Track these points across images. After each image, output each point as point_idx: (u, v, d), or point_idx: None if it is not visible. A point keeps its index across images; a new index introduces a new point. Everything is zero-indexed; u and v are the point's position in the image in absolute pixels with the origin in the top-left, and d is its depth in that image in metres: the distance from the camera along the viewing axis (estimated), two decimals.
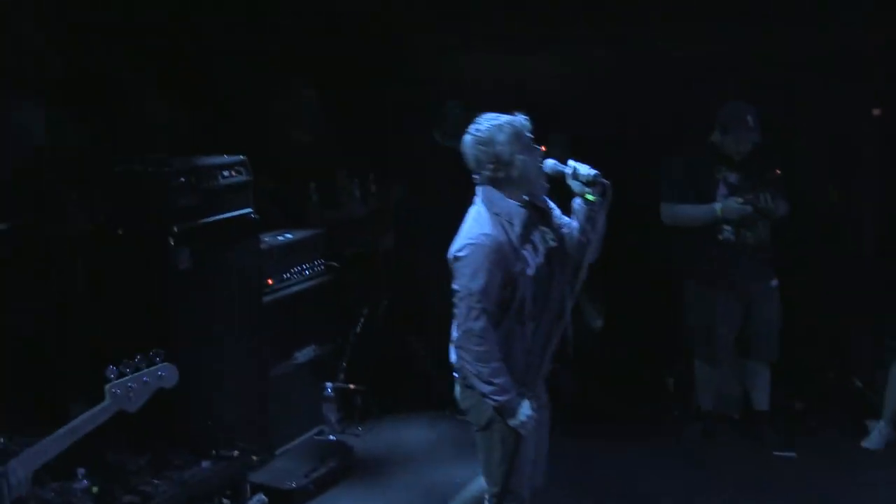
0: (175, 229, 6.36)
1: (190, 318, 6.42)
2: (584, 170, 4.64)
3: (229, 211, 6.81)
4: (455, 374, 4.90)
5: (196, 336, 6.51)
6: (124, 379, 3.93)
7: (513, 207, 4.66)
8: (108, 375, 3.89)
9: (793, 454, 7.16)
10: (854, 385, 7.90)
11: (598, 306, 8.23)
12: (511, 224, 4.62)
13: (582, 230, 4.80)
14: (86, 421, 3.89)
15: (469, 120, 4.81)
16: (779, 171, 7.16)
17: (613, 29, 8.51)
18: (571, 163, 4.68)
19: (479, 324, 4.58)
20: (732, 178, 7.14)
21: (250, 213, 6.99)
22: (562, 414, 5.53)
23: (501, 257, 4.58)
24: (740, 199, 7.03)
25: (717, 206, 7.06)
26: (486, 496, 4.97)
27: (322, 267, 7.74)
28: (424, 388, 8.23)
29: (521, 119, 4.68)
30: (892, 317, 7.56)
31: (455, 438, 7.59)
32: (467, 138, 4.67)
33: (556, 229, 4.83)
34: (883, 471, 6.84)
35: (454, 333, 4.73)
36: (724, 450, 7.33)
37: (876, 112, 8.39)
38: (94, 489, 5.50)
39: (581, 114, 8.31)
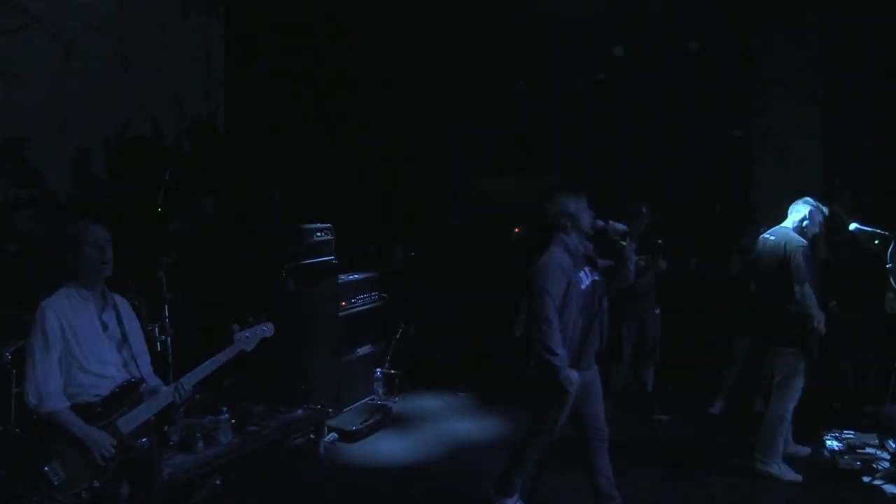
0: (285, 266, 6.79)
1: (296, 323, 6.62)
2: (619, 226, 4.96)
3: (319, 257, 7.08)
4: (530, 357, 4.89)
5: (298, 335, 6.71)
6: (244, 331, 4.07)
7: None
8: (235, 329, 4.07)
9: (666, 417, 7.24)
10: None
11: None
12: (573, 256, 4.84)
13: (616, 266, 5.01)
14: (223, 355, 4.03)
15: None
16: (660, 241, 7.31)
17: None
18: (611, 222, 4.96)
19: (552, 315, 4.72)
20: (633, 246, 6.68)
21: (332, 259, 7.22)
22: None
23: (565, 273, 4.78)
24: (637, 258, 6.43)
25: None
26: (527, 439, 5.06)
27: (376, 297, 7.81)
28: (438, 376, 8.41)
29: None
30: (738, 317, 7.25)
31: (455, 407, 7.81)
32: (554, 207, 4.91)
33: (598, 269, 5.00)
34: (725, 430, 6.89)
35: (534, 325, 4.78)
36: (625, 415, 6.88)
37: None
38: (232, 421, 5.85)
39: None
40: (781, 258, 5.78)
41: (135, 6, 7.79)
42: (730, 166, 8.20)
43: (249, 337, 4.11)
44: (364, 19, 8.72)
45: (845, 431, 6.51)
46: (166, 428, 5.51)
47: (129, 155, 7.50)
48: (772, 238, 5.97)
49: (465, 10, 8.64)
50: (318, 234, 7.14)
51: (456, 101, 8.88)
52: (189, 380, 4.03)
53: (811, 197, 6.04)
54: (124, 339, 4.00)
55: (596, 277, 4.98)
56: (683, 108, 8.14)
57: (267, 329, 4.18)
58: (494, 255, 8.76)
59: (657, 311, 7.47)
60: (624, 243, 4.99)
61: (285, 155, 8.22)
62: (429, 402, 8.03)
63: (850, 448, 6.22)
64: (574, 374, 4.77)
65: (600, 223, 4.96)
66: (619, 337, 7.38)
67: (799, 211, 5.96)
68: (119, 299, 4.11)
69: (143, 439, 3.96)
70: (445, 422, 7.44)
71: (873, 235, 6.07)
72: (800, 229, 5.92)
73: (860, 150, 7.50)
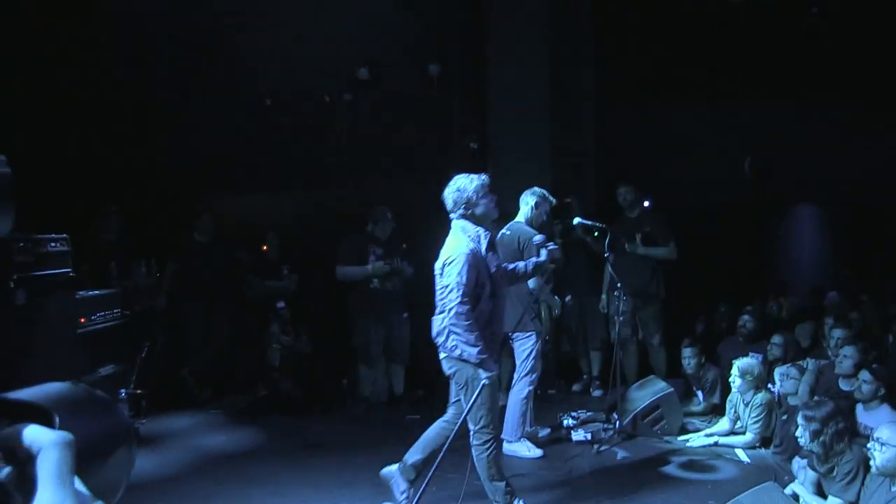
0: (14, 276, 6.11)
1: (27, 338, 6.09)
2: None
3: (54, 269, 6.46)
4: (443, 350, 4.71)
5: (30, 351, 6.09)
6: None
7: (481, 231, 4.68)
8: None
9: (417, 416, 7.19)
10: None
11: None
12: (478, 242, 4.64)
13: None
14: None
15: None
16: (405, 245, 7.52)
17: None
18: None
19: (466, 307, 4.53)
20: (379, 251, 7.42)
21: (69, 272, 6.62)
22: None
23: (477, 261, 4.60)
24: (382, 263, 7.34)
25: (369, 267, 7.34)
26: (472, 433, 4.77)
27: (119, 314, 7.28)
28: (187, 393, 8.13)
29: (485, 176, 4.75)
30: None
31: (207, 423, 7.55)
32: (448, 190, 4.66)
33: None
34: None
35: (445, 319, 4.58)
36: (377, 418, 7.42)
37: None
38: None
39: None
40: (517, 250, 6.13)
41: None
42: None
43: None
44: (95, 41, 8.33)
45: (579, 410, 7.14)
46: None
47: None
48: (507, 233, 6.34)
49: (211, 30, 8.54)
50: (53, 244, 6.57)
51: (200, 118, 8.73)
52: None
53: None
54: None
55: (497, 262, 4.88)
56: (424, 124, 8.59)
57: None
58: (241, 272, 8.64)
59: (405, 315, 7.68)
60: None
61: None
62: (179, 421, 7.70)
63: (582, 423, 6.85)
64: (494, 365, 4.68)
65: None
66: (368, 340, 7.52)
67: (527, 202, 6.36)
68: None
69: None
70: (197, 438, 7.18)
71: (592, 228, 6.70)
72: (530, 220, 6.32)
73: (581, 158, 8.33)
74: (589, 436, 6.59)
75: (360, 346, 7.61)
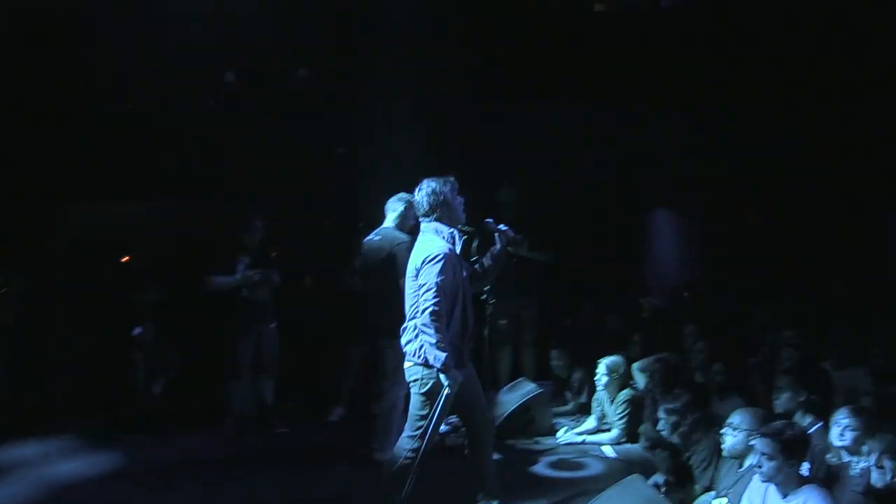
0: None
1: None
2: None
3: None
4: (408, 355, 4.60)
5: None
6: None
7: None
8: None
9: (287, 430, 7.26)
10: (324, 386, 7.88)
11: None
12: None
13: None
14: None
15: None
16: (275, 254, 7.29)
17: None
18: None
19: (440, 308, 4.43)
20: (247, 260, 7.14)
21: None
22: None
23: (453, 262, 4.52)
24: (251, 272, 7.04)
25: (238, 276, 7.03)
26: (405, 452, 4.63)
27: None
28: (40, 416, 7.62)
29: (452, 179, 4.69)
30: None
31: (62, 448, 7.04)
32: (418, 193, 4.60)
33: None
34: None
35: (417, 321, 4.45)
36: (246, 433, 7.17)
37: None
38: None
39: None
40: (385, 257, 6.08)
41: None
42: (339, 183, 8.58)
43: None
44: None
45: (452, 416, 6.78)
46: None
47: None
48: (376, 238, 6.28)
49: (71, 34, 8.17)
50: None
51: (60, 124, 8.32)
52: None
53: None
54: None
55: (465, 267, 4.82)
56: (294, 129, 8.43)
57: None
58: (101, 284, 8.30)
59: (273, 325, 7.45)
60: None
61: None
62: (30, 449, 7.12)
63: (455, 429, 6.77)
64: (458, 373, 4.55)
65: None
66: (235, 352, 7.26)
67: (395, 209, 6.29)
68: None
69: None
70: (50, 466, 6.70)
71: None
72: (399, 225, 6.26)
73: (454, 159, 8.19)
74: (462, 441, 6.36)
75: (229, 359, 7.31)
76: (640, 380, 6.73)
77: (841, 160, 9.37)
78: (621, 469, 5.79)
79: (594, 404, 6.85)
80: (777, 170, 9.69)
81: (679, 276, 10.60)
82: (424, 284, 4.50)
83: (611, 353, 6.90)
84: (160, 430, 7.41)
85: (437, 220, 4.72)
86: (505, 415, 6.76)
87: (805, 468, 4.15)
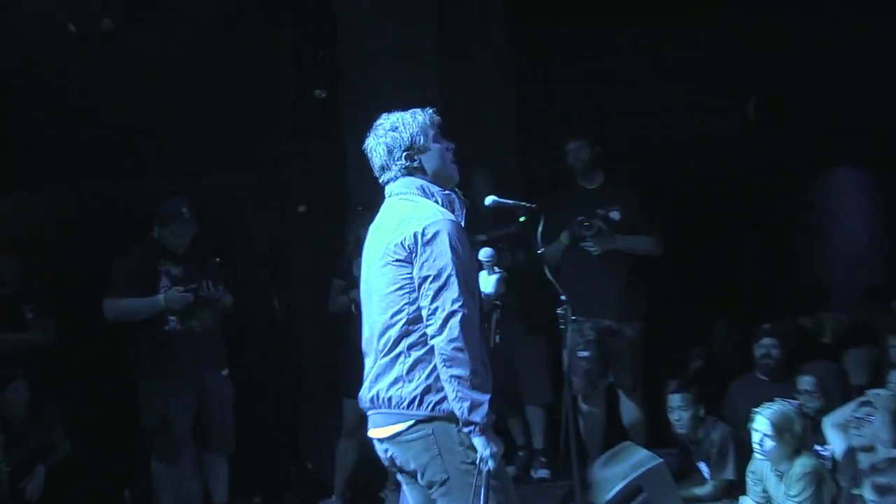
0: None
1: None
2: None
3: None
4: (396, 404, 3.21)
5: None
6: None
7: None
8: None
9: None
10: (307, 469, 6.70)
11: None
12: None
13: None
14: None
15: None
16: (219, 259, 5.86)
17: None
18: None
19: (469, 311, 3.22)
20: (175, 270, 5.70)
21: None
22: None
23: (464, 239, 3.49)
24: (181, 288, 5.61)
25: (161, 296, 5.58)
26: None
27: None
28: None
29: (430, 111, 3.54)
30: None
31: None
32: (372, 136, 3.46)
33: None
34: None
35: (407, 340, 3.24)
36: None
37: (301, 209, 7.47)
38: None
39: None
40: None
41: None
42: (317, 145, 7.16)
43: None
44: None
45: None
46: None
47: None
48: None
49: None
50: None
51: None
52: None
53: None
54: None
55: None
56: (239, 70, 6.96)
57: None
58: None
59: (224, 372, 6.03)
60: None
61: None
62: None
63: None
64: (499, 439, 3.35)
65: None
66: (163, 418, 5.82)
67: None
68: None
69: None
70: None
71: (516, 208, 4.78)
72: None
73: (486, 106, 6.67)
74: None
75: (157, 430, 5.77)
76: (836, 441, 5.26)
77: None
78: None
79: (750, 480, 5.41)
80: None
81: (870, 273, 8.84)
82: (428, 276, 3.26)
83: (769, 399, 5.38)
84: None
85: (407, 173, 3.49)
86: (605, 501, 5.40)
87: None
